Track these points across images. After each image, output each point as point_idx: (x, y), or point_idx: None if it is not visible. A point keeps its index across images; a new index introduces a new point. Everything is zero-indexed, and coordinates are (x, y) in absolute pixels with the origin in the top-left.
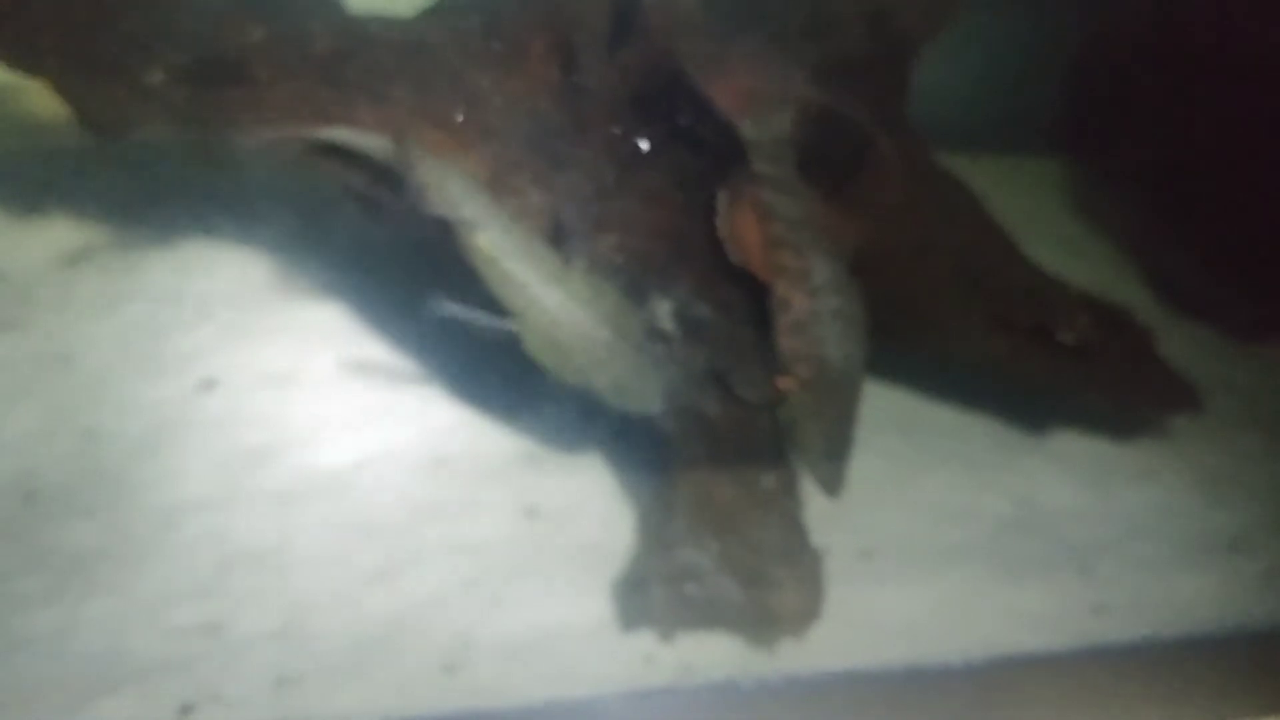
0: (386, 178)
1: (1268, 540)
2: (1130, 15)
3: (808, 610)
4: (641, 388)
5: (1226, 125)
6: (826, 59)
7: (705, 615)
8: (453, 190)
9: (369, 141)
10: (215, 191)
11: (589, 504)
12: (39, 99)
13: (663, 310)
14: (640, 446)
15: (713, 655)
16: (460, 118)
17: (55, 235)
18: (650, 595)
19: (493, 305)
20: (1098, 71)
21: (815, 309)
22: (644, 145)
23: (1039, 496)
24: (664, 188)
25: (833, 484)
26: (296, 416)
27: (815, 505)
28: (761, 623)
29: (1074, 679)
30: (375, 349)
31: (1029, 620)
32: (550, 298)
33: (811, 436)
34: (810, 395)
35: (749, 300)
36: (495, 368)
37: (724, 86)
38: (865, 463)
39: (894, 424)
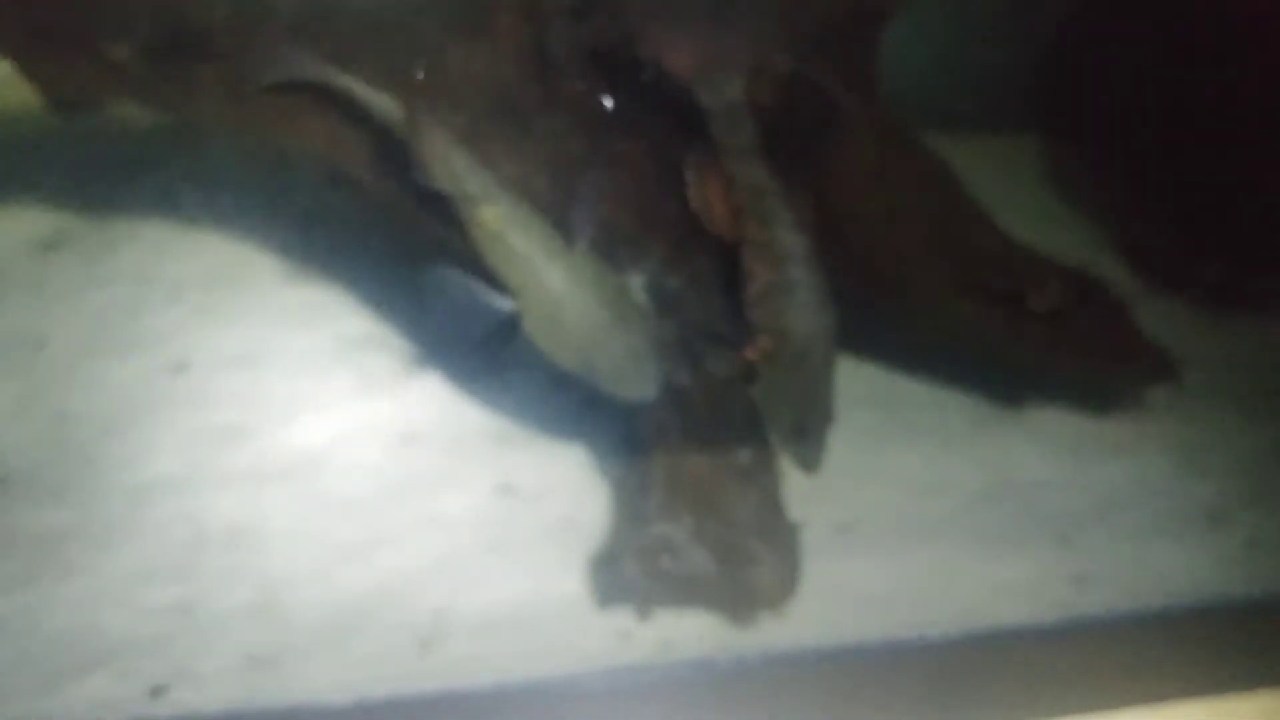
0: (382, 146)
1: (1247, 511)
2: None
3: (784, 585)
4: (638, 373)
5: (1202, 99)
6: (796, 26)
7: (681, 590)
8: (457, 163)
9: (377, 99)
10: (190, 173)
11: (564, 480)
12: (7, 86)
13: (635, 282)
14: (615, 422)
15: (690, 631)
16: (429, 88)
17: (30, 220)
18: (624, 570)
19: (478, 286)
20: (1072, 46)
21: (777, 280)
22: (608, 104)
23: (1016, 469)
24: (634, 157)
25: (810, 460)
26: (269, 396)
27: (794, 479)
28: (738, 598)
29: (1053, 650)
30: (348, 328)
31: (1008, 592)
32: (554, 275)
33: (780, 409)
34: (775, 367)
35: (721, 271)
36: (469, 345)
37: (675, 52)
38: (843, 437)
39: (871, 399)
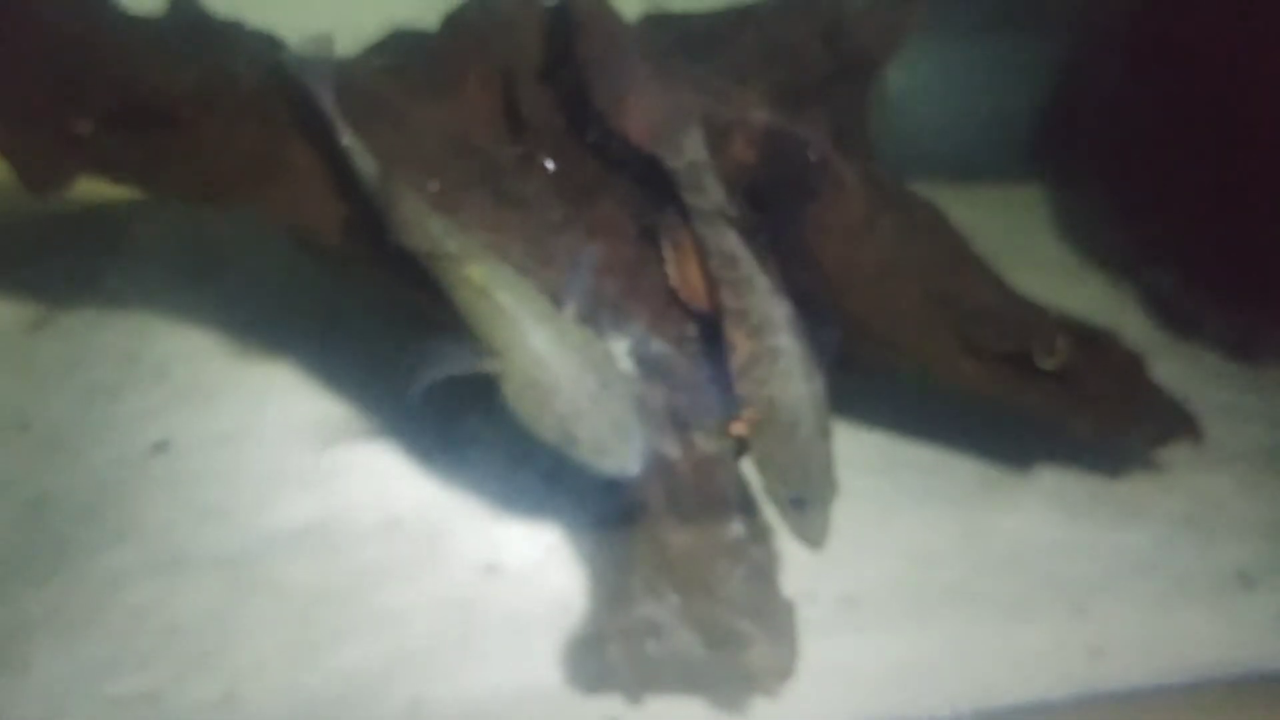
0: (348, 211)
1: None
2: (1113, 37)
3: (780, 666)
4: (621, 445)
5: (1217, 145)
6: (782, 82)
7: (669, 674)
8: (434, 224)
9: (365, 162)
10: (174, 253)
11: (552, 559)
12: None
13: (619, 349)
14: (602, 498)
15: (682, 717)
16: (397, 154)
17: (17, 300)
18: (608, 654)
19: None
20: (1081, 95)
21: (758, 349)
22: (549, 165)
23: (1029, 534)
24: (614, 220)
25: (813, 534)
26: (248, 477)
27: (796, 552)
28: (731, 681)
29: None
30: (330, 407)
31: (1022, 665)
32: (539, 335)
33: (776, 482)
34: (766, 438)
35: (708, 337)
36: (451, 424)
37: (630, 117)
38: (848, 506)
39: (876, 465)
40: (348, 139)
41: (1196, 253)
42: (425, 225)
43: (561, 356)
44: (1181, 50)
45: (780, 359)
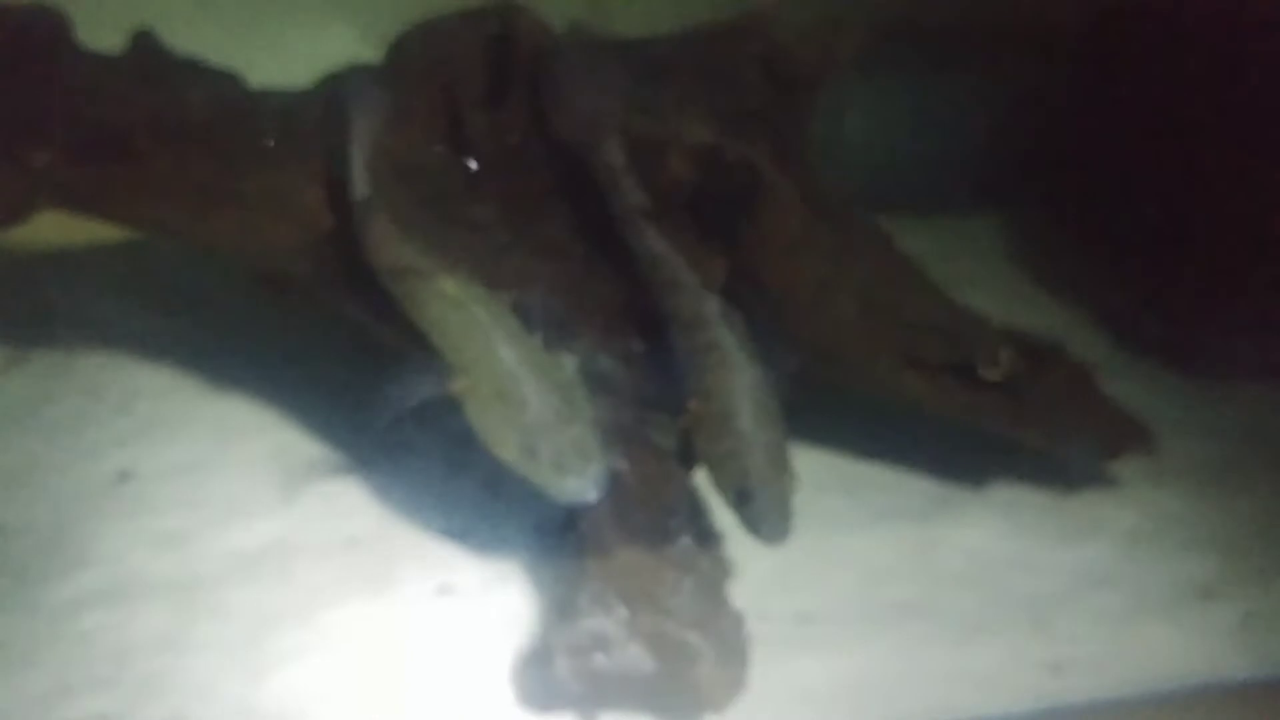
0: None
1: (1242, 587)
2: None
3: (730, 681)
4: (582, 468)
5: (1161, 168)
6: (722, 104)
7: (618, 690)
8: (410, 243)
9: (360, 179)
10: (139, 291)
11: (507, 578)
12: None
13: (568, 364)
14: (550, 511)
15: None
16: None
17: None
18: (556, 669)
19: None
20: (1027, 123)
21: (690, 346)
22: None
23: (985, 550)
24: (562, 240)
25: (767, 528)
26: (206, 505)
27: (752, 569)
28: (681, 696)
29: None
30: (289, 438)
31: (980, 681)
32: (509, 350)
33: (720, 476)
34: (704, 432)
35: (657, 349)
36: (408, 449)
37: (565, 119)
38: (804, 524)
39: (830, 483)
40: (356, 153)
41: (1143, 272)
42: (402, 240)
43: (531, 373)
44: (1128, 79)
45: (711, 352)
